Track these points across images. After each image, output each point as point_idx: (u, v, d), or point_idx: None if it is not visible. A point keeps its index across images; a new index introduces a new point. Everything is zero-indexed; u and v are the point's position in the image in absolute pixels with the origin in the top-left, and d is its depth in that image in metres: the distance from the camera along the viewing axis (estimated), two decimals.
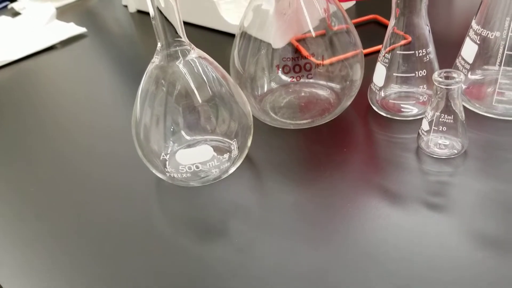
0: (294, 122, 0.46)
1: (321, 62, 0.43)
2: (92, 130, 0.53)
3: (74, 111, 0.58)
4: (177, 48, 0.37)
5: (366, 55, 0.56)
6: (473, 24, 0.43)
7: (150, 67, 0.38)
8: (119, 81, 0.64)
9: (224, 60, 0.60)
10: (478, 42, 0.42)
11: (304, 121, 0.45)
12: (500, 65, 0.41)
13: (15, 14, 0.90)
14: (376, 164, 0.40)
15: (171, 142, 0.41)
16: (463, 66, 0.44)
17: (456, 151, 0.39)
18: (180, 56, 0.37)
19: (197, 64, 0.38)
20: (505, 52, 0.40)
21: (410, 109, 0.44)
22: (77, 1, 0.92)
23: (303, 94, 0.47)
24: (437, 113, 0.38)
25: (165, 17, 0.36)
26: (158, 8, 0.36)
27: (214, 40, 0.68)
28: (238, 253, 0.34)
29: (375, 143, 0.43)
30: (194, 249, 0.35)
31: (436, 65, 0.43)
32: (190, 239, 0.36)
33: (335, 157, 0.42)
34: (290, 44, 0.44)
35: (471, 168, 0.38)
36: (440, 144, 0.39)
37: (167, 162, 0.39)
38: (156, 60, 0.38)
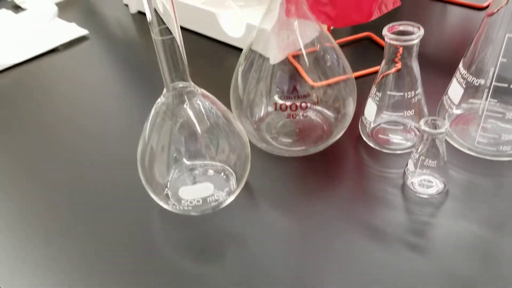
0: (289, 149, 0.48)
1: (317, 84, 0.45)
2: (94, 136, 0.56)
3: (77, 115, 0.60)
4: (182, 90, 0.40)
5: (360, 77, 0.58)
6: (460, 66, 0.45)
7: (157, 105, 0.41)
8: (121, 85, 0.66)
9: (222, 70, 0.63)
10: (464, 86, 0.44)
11: (299, 148, 0.48)
12: (483, 111, 0.44)
13: (15, 7, 0.91)
14: (364, 199, 0.44)
15: (173, 168, 0.44)
16: (449, 104, 0.47)
17: (438, 191, 0.42)
18: (186, 99, 0.40)
19: (201, 105, 0.41)
20: (488, 99, 0.43)
21: (399, 144, 0.47)
22: None
23: (298, 121, 0.49)
24: (422, 157, 0.41)
25: (172, 61, 0.39)
26: (164, 53, 0.38)
27: (213, 49, 0.70)
28: (234, 279, 0.38)
29: (365, 176, 0.46)
30: (192, 276, 0.38)
31: (424, 105, 0.46)
32: (189, 266, 0.40)
33: (327, 190, 0.45)
34: (288, 65, 0.46)
35: (451, 209, 0.42)
36: (424, 184, 0.43)
37: (169, 194, 0.42)
38: (162, 100, 0.40)
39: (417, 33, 0.42)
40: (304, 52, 0.45)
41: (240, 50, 0.66)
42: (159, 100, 0.41)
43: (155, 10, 0.35)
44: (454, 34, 0.68)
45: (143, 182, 0.42)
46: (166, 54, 0.38)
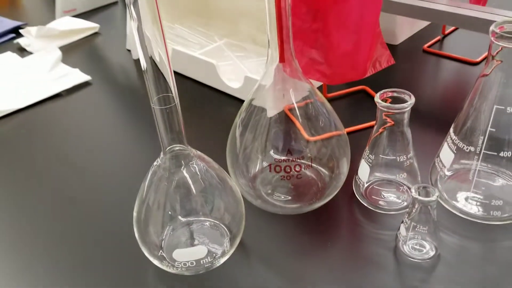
0: (284, 206, 0.49)
1: (312, 138, 0.46)
2: (94, 185, 0.57)
3: (78, 162, 0.61)
4: (179, 154, 0.41)
5: (355, 131, 0.60)
6: (451, 131, 0.46)
7: (154, 167, 0.42)
8: (123, 132, 0.67)
9: (219, 119, 0.64)
10: (455, 152, 0.45)
11: (293, 206, 0.49)
12: (473, 176, 0.45)
13: (20, 49, 0.93)
14: (357, 261, 0.44)
15: (168, 225, 0.45)
16: (440, 167, 0.48)
17: (430, 256, 0.43)
18: (182, 162, 0.41)
19: (197, 168, 0.42)
20: (479, 165, 0.44)
21: (393, 204, 0.48)
22: (81, 39, 0.95)
23: (293, 178, 0.50)
24: (414, 223, 0.42)
25: (170, 127, 0.40)
26: (162, 119, 0.39)
27: (212, 98, 0.71)
28: None
29: (358, 236, 0.47)
30: None
31: (416, 168, 0.47)
32: None
33: (320, 251, 0.45)
34: (284, 122, 0.48)
35: (443, 273, 0.42)
36: (416, 248, 0.43)
37: (164, 255, 0.43)
38: (159, 163, 0.42)
39: (409, 102, 0.43)
40: (296, 107, 0.47)
41: (238, 100, 0.68)
42: (155, 162, 0.42)
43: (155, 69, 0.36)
44: (447, 89, 0.69)
45: (139, 242, 0.43)
46: (164, 120, 0.39)
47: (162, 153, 0.41)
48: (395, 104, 0.43)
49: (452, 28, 0.81)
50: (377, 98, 0.44)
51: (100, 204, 0.54)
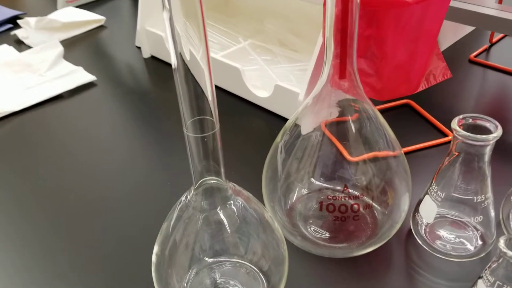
0: (328, 245, 0.41)
1: (354, 159, 0.39)
2: (97, 195, 0.50)
3: (79, 170, 0.54)
4: (214, 189, 0.33)
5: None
6: None
7: (181, 205, 0.34)
8: (130, 138, 0.59)
9: (246, 132, 0.56)
10: None
11: (339, 245, 0.41)
12: None
13: (18, 42, 0.84)
14: None
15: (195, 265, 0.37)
16: None
17: None
18: (219, 203, 0.33)
19: (235, 210, 0.34)
20: None
21: (458, 250, 0.40)
22: (85, 33, 0.87)
23: (349, 219, 0.42)
24: (499, 282, 0.34)
25: (204, 157, 0.32)
26: (197, 149, 0.31)
27: (235, 107, 0.63)
28: None
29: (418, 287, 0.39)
30: None
31: (492, 212, 0.39)
32: None
33: None
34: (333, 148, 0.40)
35: None
36: None
37: None
38: (189, 198, 0.34)
39: (496, 133, 0.35)
40: (352, 125, 0.39)
41: (266, 111, 0.60)
42: (183, 197, 0.34)
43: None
44: (501, 105, 0.62)
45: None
46: (199, 149, 0.31)
47: (192, 187, 0.33)
48: (478, 135, 0.35)
49: (500, 35, 0.73)
50: (454, 124, 0.36)
51: (101, 223, 0.46)
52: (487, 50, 0.71)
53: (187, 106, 0.29)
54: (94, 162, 0.56)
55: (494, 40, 0.73)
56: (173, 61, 0.27)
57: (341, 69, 0.35)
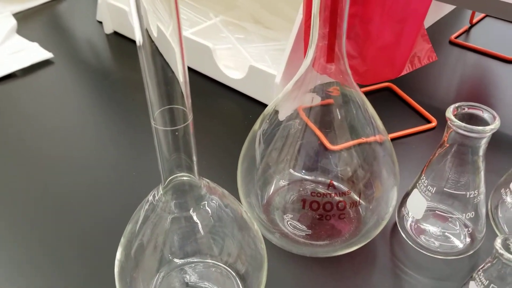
0: (309, 243, 0.38)
1: (337, 147, 0.36)
2: (53, 186, 0.45)
3: (33, 159, 0.49)
4: (186, 187, 0.29)
5: None
6: None
7: (149, 204, 0.30)
8: (91, 121, 0.54)
9: (217, 116, 0.52)
10: None
11: (322, 243, 0.38)
12: None
13: None
14: None
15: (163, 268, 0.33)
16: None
17: None
18: (191, 204, 0.29)
19: (209, 211, 0.30)
20: None
21: (449, 247, 0.38)
22: (42, 5, 0.79)
23: (335, 217, 0.38)
24: (493, 285, 0.32)
25: (175, 151, 0.27)
26: (166, 143, 0.27)
27: (206, 89, 0.58)
28: None
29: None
30: None
31: (483, 208, 0.37)
32: None
33: None
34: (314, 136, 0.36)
35: None
36: None
37: None
38: (157, 198, 0.29)
39: (493, 124, 0.32)
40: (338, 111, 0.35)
41: (240, 94, 0.56)
42: (150, 196, 0.30)
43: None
44: (484, 91, 0.59)
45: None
46: (169, 143, 0.27)
47: (161, 185, 0.29)
48: (474, 126, 0.33)
49: (481, 16, 0.71)
50: (449, 113, 0.33)
51: (59, 215, 0.42)
52: (467, 31, 0.69)
53: (155, 92, 0.25)
54: (50, 150, 0.50)
55: (475, 21, 0.70)
56: (138, 38, 0.23)
57: (329, 52, 0.31)
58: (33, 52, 0.64)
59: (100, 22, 0.72)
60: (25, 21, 0.74)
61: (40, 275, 0.38)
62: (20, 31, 0.70)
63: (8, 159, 0.49)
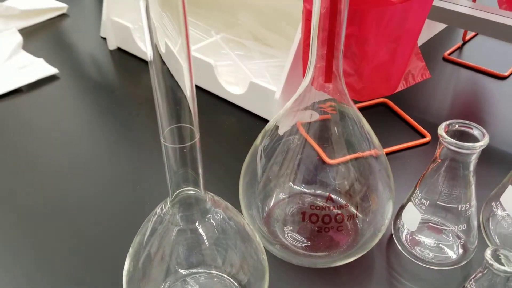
0: (308, 254, 0.40)
1: (335, 161, 0.37)
2: (56, 200, 0.47)
3: (38, 173, 0.50)
4: (192, 201, 0.31)
5: None
6: None
7: (156, 217, 0.31)
8: (94, 136, 0.56)
9: (218, 131, 0.54)
10: None
11: (321, 254, 0.39)
12: None
13: None
14: None
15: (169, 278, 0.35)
16: (503, 217, 0.39)
17: None
18: (197, 217, 0.31)
19: (214, 224, 0.32)
20: None
21: (443, 258, 0.39)
22: (46, 21, 0.81)
23: (333, 230, 0.40)
24: None
25: (182, 167, 0.29)
26: (175, 159, 0.28)
27: (207, 104, 0.60)
28: None
29: None
30: None
31: (475, 220, 0.38)
32: None
33: None
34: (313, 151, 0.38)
35: None
36: None
37: None
38: (164, 211, 0.31)
39: (482, 141, 0.34)
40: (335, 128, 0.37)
41: (240, 109, 0.58)
42: (158, 209, 0.32)
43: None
44: (477, 107, 0.61)
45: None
46: (177, 160, 0.28)
47: (168, 199, 0.31)
48: (464, 143, 0.34)
49: (473, 34, 0.73)
50: (441, 130, 0.35)
51: (60, 228, 0.43)
52: (460, 48, 0.71)
53: (165, 111, 0.26)
54: (55, 164, 0.52)
55: (467, 38, 0.72)
56: (149, 55, 0.24)
57: (327, 72, 0.33)
58: (39, 68, 0.66)
59: (104, 39, 0.74)
60: (30, 37, 0.76)
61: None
62: (25, 46, 0.72)
63: (14, 172, 0.51)
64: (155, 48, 0.24)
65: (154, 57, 0.24)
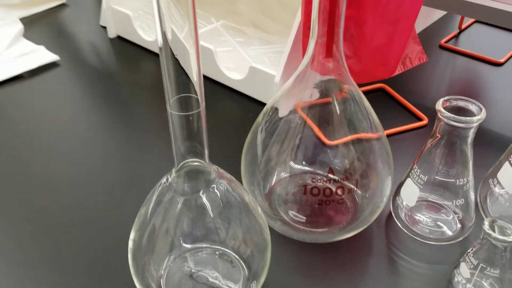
0: (309, 230, 0.40)
1: (335, 142, 0.38)
2: (59, 184, 0.47)
3: (40, 157, 0.51)
4: (197, 172, 0.31)
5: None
6: None
7: (162, 186, 0.32)
8: (95, 121, 0.56)
9: (219, 115, 0.54)
10: None
11: (321, 230, 0.40)
12: None
13: None
14: None
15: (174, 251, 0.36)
16: (500, 194, 0.40)
17: None
18: (201, 186, 0.31)
19: (218, 194, 0.32)
20: None
21: (441, 233, 0.40)
22: (47, 11, 0.82)
23: (334, 203, 0.41)
24: (482, 264, 0.34)
25: (188, 137, 0.30)
26: (181, 127, 0.29)
27: (207, 89, 0.61)
28: None
29: (402, 273, 0.39)
30: None
31: (472, 195, 0.39)
32: None
33: None
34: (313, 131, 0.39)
35: None
36: None
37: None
38: (170, 181, 0.32)
39: (480, 115, 0.35)
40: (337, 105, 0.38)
41: (240, 94, 0.59)
42: (164, 179, 0.32)
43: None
44: (473, 92, 0.62)
45: (135, 279, 0.33)
46: (183, 128, 0.29)
47: (174, 169, 0.32)
48: (462, 117, 0.35)
49: (469, 22, 0.74)
50: (439, 105, 0.36)
51: (63, 209, 0.44)
52: (457, 36, 0.72)
53: (172, 83, 0.27)
54: (57, 149, 0.52)
55: (463, 26, 0.73)
56: (159, 35, 0.25)
57: (328, 47, 0.34)
58: (40, 55, 0.66)
59: (104, 27, 0.75)
60: (31, 26, 0.77)
61: (54, 262, 0.40)
62: (26, 35, 0.72)
63: (15, 159, 0.51)
64: (165, 32, 0.25)
65: (163, 37, 0.25)
